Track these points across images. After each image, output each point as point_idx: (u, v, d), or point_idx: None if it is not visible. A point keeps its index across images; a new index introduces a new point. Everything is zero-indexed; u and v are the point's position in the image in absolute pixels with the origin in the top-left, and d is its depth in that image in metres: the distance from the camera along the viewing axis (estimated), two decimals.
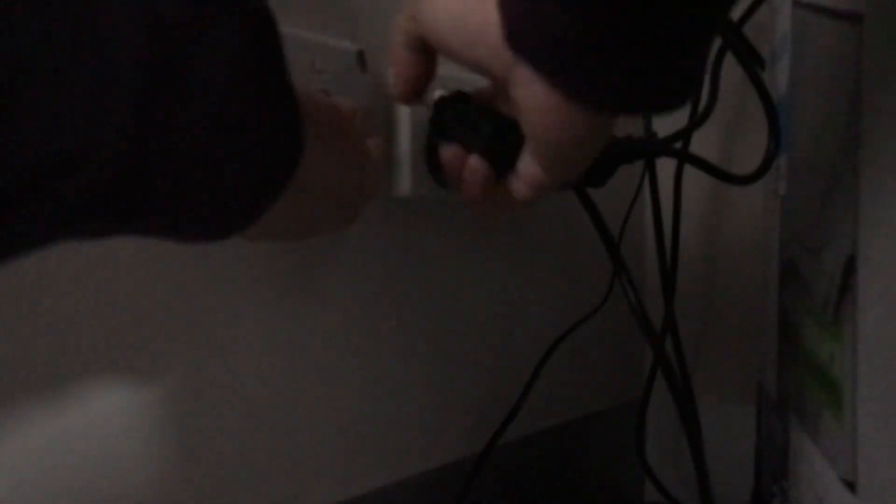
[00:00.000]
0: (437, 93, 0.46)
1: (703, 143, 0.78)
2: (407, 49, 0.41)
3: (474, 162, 0.42)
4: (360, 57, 0.52)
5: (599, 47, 0.30)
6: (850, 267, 0.40)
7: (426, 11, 0.38)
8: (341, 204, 0.38)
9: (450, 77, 0.47)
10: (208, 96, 0.25)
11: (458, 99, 0.45)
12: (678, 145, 0.66)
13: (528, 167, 0.40)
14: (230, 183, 0.28)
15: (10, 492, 0.38)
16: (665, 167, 0.79)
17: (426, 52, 0.41)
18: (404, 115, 0.54)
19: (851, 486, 0.39)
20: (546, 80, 0.33)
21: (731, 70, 0.63)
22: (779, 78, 0.58)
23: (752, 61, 0.61)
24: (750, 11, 0.64)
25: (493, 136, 0.42)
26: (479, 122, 0.43)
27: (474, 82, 0.43)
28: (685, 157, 0.63)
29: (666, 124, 0.69)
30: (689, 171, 0.76)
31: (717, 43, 0.65)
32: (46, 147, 0.21)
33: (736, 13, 0.64)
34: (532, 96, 0.34)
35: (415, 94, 0.43)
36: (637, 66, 0.31)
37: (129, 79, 0.22)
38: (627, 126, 0.79)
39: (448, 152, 0.44)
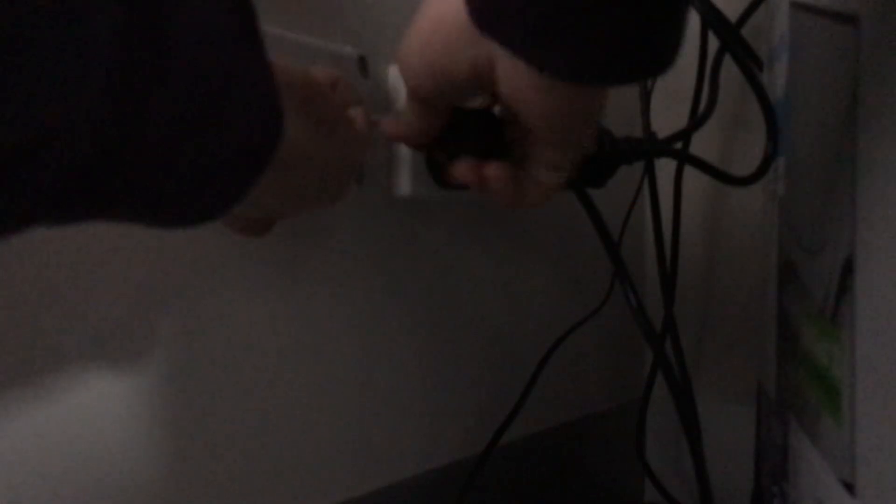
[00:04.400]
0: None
1: (703, 144, 0.78)
2: (411, 108, 0.41)
3: (493, 171, 0.42)
4: (362, 62, 0.52)
5: (566, 16, 0.31)
6: (848, 268, 0.40)
7: (401, 62, 0.39)
8: (326, 177, 0.38)
9: None
10: (186, 71, 0.25)
11: None
12: (678, 146, 0.66)
13: (541, 156, 0.40)
14: (210, 162, 0.27)
15: (6, 483, 0.38)
16: (665, 168, 0.79)
17: (428, 112, 0.41)
18: None
19: (850, 487, 0.39)
20: (521, 58, 0.34)
21: (731, 71, 0.63)
22: (777, 79, 0.58)
23: (751, 63, 0.61)
24: (748, 13, 0.65)
25: (487, 129, 0.43)
26: (463, 123, 0.43)
27: None
28: (685, 158, 0.63)
29: (666, 125, 0.69)
30: (689, 172, 0.77)
31: (715, 45, 0.65)
32: (18, 125, 0.20)
33: (734, 15, 0.64)
34: (520, 86, 0.35)
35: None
36: (613, 34, 0.31)
37: (102, 59, 0.22)
38: (627, 126, 0.79)
39: (462, 168, 0.43)
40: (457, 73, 0.37)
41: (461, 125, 0.43)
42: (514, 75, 0.35)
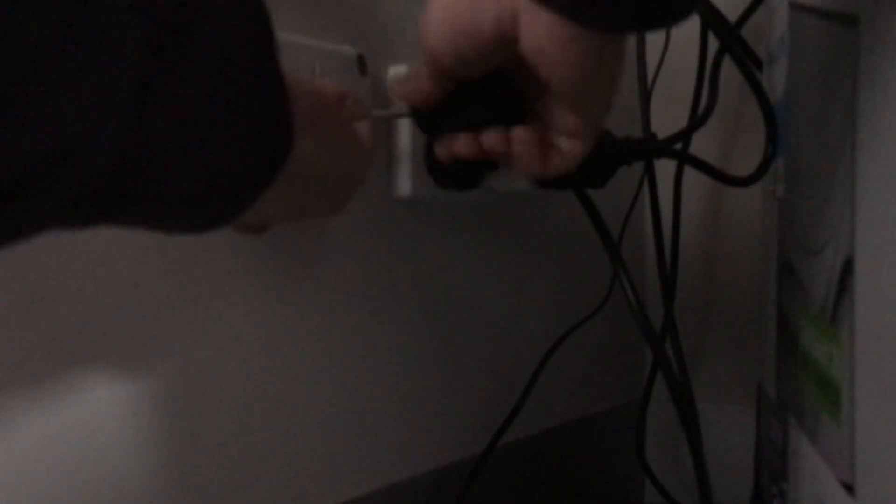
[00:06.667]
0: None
1: (703, 145, 0.78)
2: (427, 76, 0.41)
3: (520, 133, 0.41)
4: (361, 61, 0.52)
5: None
6: (847, 269, 0.40)
7: (425, 31, 0.39)
8: (330, 188, 0.38)
9: None
10: (205, 86, 0.25)
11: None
12: (678, 146, 0.66)
13: (562, 121, 0.40)
14: (223, 172, 0.28)
15: (6, 488, 0.38)
16: (665, 168, 0.79)
17: (444, 81, 0.41)
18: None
19: (849, 488, 0.39)
20: (545, 6, 0.34)
21: (730, 72, 0.63)
22: (776, 80, 0.58)
23: (750, 63, 0.61)
24: (747, 14, 0.65)
25: (500, 99, 0.42)
26: (470, 99, 0.43)
27: None
28: (684, 159, 0.64)
29: (665, 126, 0.69)
30: (689, 173, 0.77)
31: (715, 45, 0.65)
32: (49, 138, 0.21)
33: (734, 15, 0.64)
34: (543, 37, 0.36)
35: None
36: None
37: (129, 70, 0.22)
38: (627, 126, 0.79)
39: (490, 138, 0.42)
40: (480, 29, 0.37)
41: (469, 93, 0.43)
42: (537, 27, 0.36)
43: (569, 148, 0.42)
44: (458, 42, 0.38)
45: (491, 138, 0.42)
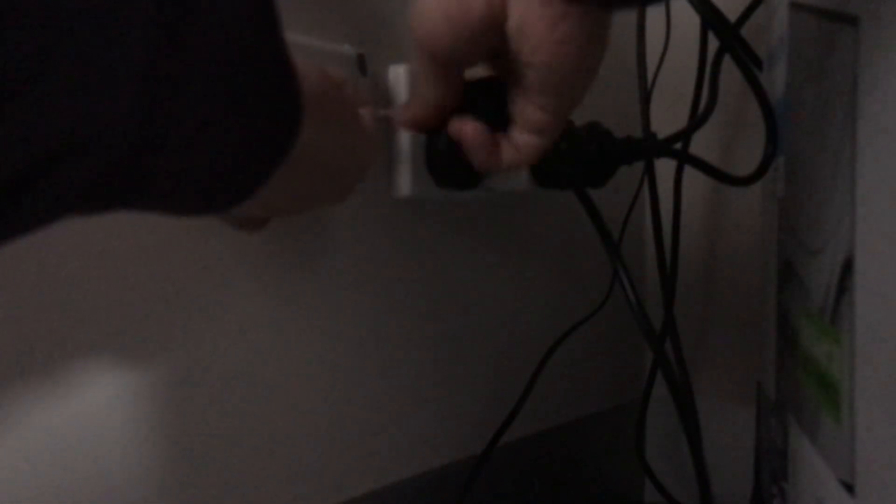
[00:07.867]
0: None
1: (703, 144, 0.78)
2: (426, 77, 0.42)
3: (469, 127, 0.42)
4: (361, 60, 0.52)
5: None
6: (848, 268, 0.40)
7: (417, 21, 0.40)
8: (337, 175, 0.38)
9: None
10: (212, 71, 0.25)
11: None
12: (678, 146, 0.66)
13: (527, 115, 0.41)
14: (232, 155, 0.28)
15: (7, 483, 0.38)
16: (665, 168, 0.79)
17: (443, 77, 0.42)
18: None
19: (849, 487, 0.39)
20: None
21: (731, 72, 0.63)
22: (776, 80, 0.58)
23: (750, 63, 0.61)
24: (747, 13, 0.65)
25: (472, 91, 0.43)
26: (468, 100, 0.44)
27: None
28: (685, 158, 0.64)
29: (665, 126, 0.69)
30: (689, 172, 0.77)
31: (715, 45, 0.65)
32: (60, 129, 0.21)
33: (734, 15, 0.64)
34: (532, 14, 0.37)
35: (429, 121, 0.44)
36: None
37: (137, 57, 0.22)
38: (627, 126, 0.79)
39: (451, 126, 0.44)
40: (472, 10, 0.38)
41: (467, 98, 0.44)
42: (526, 5, 0.37)
43: (526, 143, 0.43)
44: (450, 25, 0.39)
45: (452, 126, 0.44)
